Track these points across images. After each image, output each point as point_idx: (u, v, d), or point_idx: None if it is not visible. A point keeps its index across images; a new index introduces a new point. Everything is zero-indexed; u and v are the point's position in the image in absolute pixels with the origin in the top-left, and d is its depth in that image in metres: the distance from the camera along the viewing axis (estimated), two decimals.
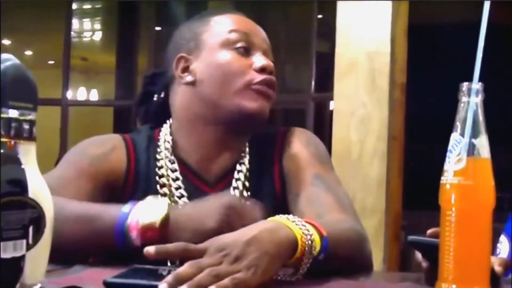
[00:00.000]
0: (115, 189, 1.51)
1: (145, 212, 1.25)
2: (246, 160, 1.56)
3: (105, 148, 1.54)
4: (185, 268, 1.04)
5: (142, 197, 1.49)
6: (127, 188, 1.52)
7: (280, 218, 1.18)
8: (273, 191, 1.54)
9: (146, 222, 1.24)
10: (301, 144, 1.57)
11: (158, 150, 1.56)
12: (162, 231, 1.24)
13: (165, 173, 1.53)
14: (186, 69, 1.57)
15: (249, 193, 1.52)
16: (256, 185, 1.54)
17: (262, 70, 1.53)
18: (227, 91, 1.51)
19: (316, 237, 1.18)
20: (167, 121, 1.61)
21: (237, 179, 1.53)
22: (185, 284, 1.00)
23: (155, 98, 1.66)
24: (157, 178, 1.53)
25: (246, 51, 1.55)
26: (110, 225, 1.26)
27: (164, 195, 1.50)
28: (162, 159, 1.54)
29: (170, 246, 1.11)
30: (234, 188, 1.52)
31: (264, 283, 1.09)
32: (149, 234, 1.24)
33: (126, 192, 1.52)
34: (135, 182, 1.53)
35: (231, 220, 1.24)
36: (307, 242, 1.15)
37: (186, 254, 1.09)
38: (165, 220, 1.25)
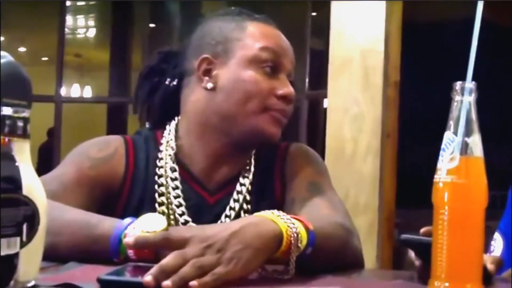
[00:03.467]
0: (111, 194, 1.52)
1: (144, 225, 1.24)
2: (250, 173, 1.56)
3: (106, 152, 1.54)
4: (169, 259, 1.05)
5: (137, 204, 1.50)
6: (123, 194, 1.52)
7: (265, 213, 1.20)
8: (274, 202, 1.54)
9: (143, 233, 1.23)
10: (301, 158, 1.59)
11: (159, 155, 1.55)
12: None
13: (164, 182, 1.52)
14: (207, 72, 1.54)
15: (249, 206, 1.52)
16: (256, 198, 1.54)
17: (282, 97, 1.52)
18: (245, 110, 1.50)
19: (302, 231, 1.19)
20: (173, 121, 1.59)
21: (239, 192, 1.53)
22: (169, 278, 1.01)
23: (167, 82, 1.63)
24: (156, 186, 1.52)
25: (273, 71, 1.52)
26: (108, 232, 1.26)
27: (162, 203, 1.50)
28: (162, 166, 1.53)
29: (150, 235, 1.12)
30: (235, 200, 1.52)
31: (247, 275, 1.12)
32: None
33: (122, 197, 1.52)
34: (132, 188, 1.53)
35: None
36: (292, 235, 1.16)
37: (167, 243, 1.11)
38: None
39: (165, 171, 1.53)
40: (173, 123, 1.59)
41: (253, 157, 1.58)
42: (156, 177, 1.53)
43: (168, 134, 1.57)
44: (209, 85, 1.52)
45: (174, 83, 1.61)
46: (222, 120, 1.51)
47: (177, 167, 1.53)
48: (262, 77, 1.51)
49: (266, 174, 1.57)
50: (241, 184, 1.54)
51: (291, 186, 1.54)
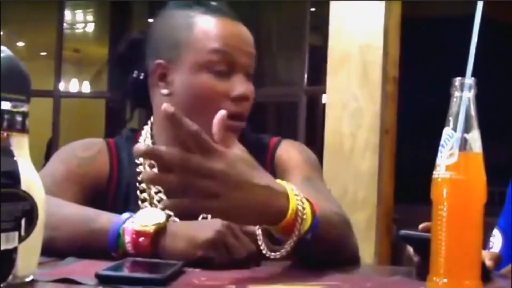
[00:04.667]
0: (99, 192, 1.53)
1: (142, 219, 1.25)
2: None
3: (92, 151, 1.55)
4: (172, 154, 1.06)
5: (123, 202, 1.51)
6: (110, 193, 1.53)
7: (286, 186, 1.18)
8: None
9: (141, 227, 1.24)
10: (292, 151, 1.58)
11: None
12: (154, 240, 1.23)
13: None
14: (163, 77, 1.53)
15: None
16: None
17: (236, 99, 1.48)
18: (199, 116, 1.42)
19: (308, 212, 1.17)
20: (149, 122, 1.60)
21: None
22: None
23: (134, 74, 1.61)
24: (137, 183, 1.53)
25: (227, 72, 1.49)
26: (106, 226, 1.26)
27: (144, 200, 1.51)
28: (141, 164, 1.54)
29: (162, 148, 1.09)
30: None
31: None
32: (142, 240, 1.23)
33: (108, 197, 1.53)
34: (117, 188, 1.54)
35: (226, 236, 1.22)
36: (298, 217, 1.15)
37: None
38: (160, 230, 1.24)
39: (144, 168, 1.53)
40: (149, 123, 1.60)
41: None
42: (137, 175, 1.53)
43: (145, 134, 1.58)
44: (164, 91, 1.52)
45: (141, 77, 1.60)
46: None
47: (155, 164, 1.53)
48: (214, 81, 1.48)
49: None
50: None
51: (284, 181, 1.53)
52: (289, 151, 1.58)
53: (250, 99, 1.51)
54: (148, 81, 1.57)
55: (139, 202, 1.51)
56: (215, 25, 1.51)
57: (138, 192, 1.52)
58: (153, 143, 1.56)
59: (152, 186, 1.51)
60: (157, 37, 1.57)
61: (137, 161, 1.54)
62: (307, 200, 1.20)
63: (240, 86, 1.49)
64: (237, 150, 1.12)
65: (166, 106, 1.08)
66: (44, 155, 7.41)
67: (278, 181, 1.19)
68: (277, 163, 1.57)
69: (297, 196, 1.17)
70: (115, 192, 1.54)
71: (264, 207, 1.12)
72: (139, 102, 1.63)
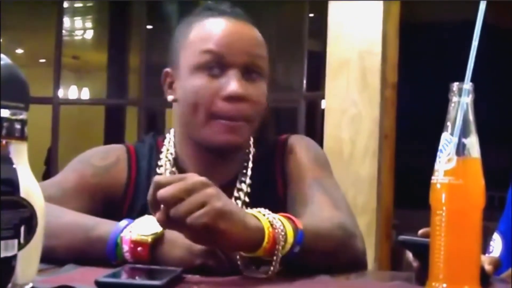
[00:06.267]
0: (114, 201, 1.52)
1: (140, 228, 1.24)
2: (249, 170, 1.54)
3: (108, 160, 1.54)
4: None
5: (140, 210, 1.49)
6: (126, 201, 1.52)
7: (251, 211, 1.22)
8: (277, 199, 1.53)
9: (138, 237, 1.24)
10: (301, 150, 1.57)
11: (159, 163, 1.55)
12: (153, 249, 1.23)
13: None
14: (171, 85, 1.55)
15: (249, 208, 1.51)
16: (258, 194, 1.53)
17: (229, 98, 1.45)
18: (195, 120, 1.47)
19: (289, 229, 1.19)
20: (171, 130, 1.60)
21: (239, 189, 1.52)
22: None
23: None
24: None
25: (220, 71, 1.46)
26: (105, 235, 1.26)
27: None
28: (162, 173, 1.53)
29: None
30: (236, 198, 1.52)
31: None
32: (140, 249, 1.23)
33: (124, 205, 1.52)
34: (134, 196, 1.53)
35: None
36: (276, 232, 1.16)
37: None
38: (158, 239, 1.24)
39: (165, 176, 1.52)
40: (172, 130, 1.59)
41: (251, 158, 1.56)
42: None
43: (168, 142, 1.58)
44: (170, 98, 1.54)
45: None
46: (187, 131, 1.52)
47: (176, 171, 1.53)
48: (207, 82, 1.46)
49: (266, 172, 1.56)
50: (241, 182, 1.53)
51: (292, 183, 1.53)
52: (298, 151, 1.57)
53: (247, 99, 1.47)
54: None
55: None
56: (211, 27, 1.50)
57: None
58: (175, 152, 1.55)
59: None
60: (171, 46, 1.58)
61: (157, 170, 1.54)
62: (286, 216, 1.22)
63: (233, 84, 1.45)
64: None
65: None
66: (44, 161, 7.40)
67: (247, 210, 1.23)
68: (287, 165, 1.57)
69: (267, 215, 1.20)
70: (131, 203, 1.53)
71: (243, 223, 1.16)
72: None
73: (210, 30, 1.49)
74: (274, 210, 1.44)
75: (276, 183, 1.55)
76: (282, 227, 1.18)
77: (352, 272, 1.31)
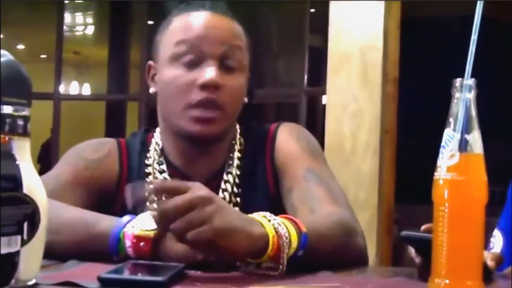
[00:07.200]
0: (107, 194, 1.52)
1: (143, 223, 1.25)
2: (235, 160, 1.54)
3: (101, 153, 1.55)
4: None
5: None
6: (119, 196, 1.52)
7: (254, 215, 1.20)
8: (266, 189, 1.53)
9: (141, 232, 1.24)
10: (292, 139, 1.55)
11: (148, 155, 1.56)
12: (155, 244, 1.23)
13: (153, 179, 1.52)
14: (153, 78, 1.56)
15: (238, 199, 1.51)
16: (248, 184, 1.52)
17: (206, 86, 1.45)
18: (171, 111, 1.49)
19: (293, 233, 1.19)
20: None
21: (226, 181, 1.52)
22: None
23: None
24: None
25: (196, 62, 1.47)
26: (107, 231, 1.26)
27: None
28: (150, 165, 1.54)
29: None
30: (223, 190, 1.51)
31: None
32: (142, 244, 1.23)
33: (117, 200, 1.52)
34: None
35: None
36: (281, 238, 1.16)
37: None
38: (160, 234, 1.24)
39: (153, 169, 1.54)
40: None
41: (237, 148, 1.56)
42: (146, 176, 1.53)
43: (156, 134, 1.59)
44: (151, 90, 1.55)
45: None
46: (167, 122, 1.53)
47: (165, 165, 1.54)
48: (183, 72, 1.47)
49: (255, 161, 1.55)
50: (228, 173, 1.53)
51: (286, 173, 1.52)
52: (288, 140, 1.56)
53: (223, 88, 1.46)
54: None
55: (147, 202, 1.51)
56: (188, 19, 1.51)
57: None
58: (163, 145, 1.56)
59: None
60: (153, 41, 1.60)
61: (146, 161, 1.55)
62: (289, 219, 1.22)
63: (209, 72, 1.45)
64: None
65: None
66: (37, 158, 7.39)
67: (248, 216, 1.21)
68: (277, 153, 1.55)
69: (272, 221, 1.18)
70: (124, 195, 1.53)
71: (247, 233, 1.15)
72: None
73: (187, 22, 1.50)
74: (264, 199, 1.44)
75: (265, 172, 1.54)
76: (286, 234, 1.17)
77: (354, 268, 1.32)
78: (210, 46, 1.47)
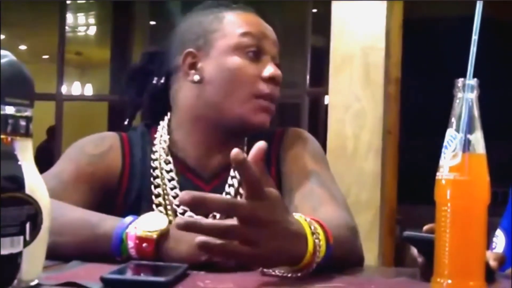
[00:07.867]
0: (110, 189, 1.53)
1: (145, 224, 1.25)
2: None
3: (102, 147, 1.55)
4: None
5: (136, 199, 1.52)
6: (122, 188, 1.53)
7: (306, 227, 1.16)
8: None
9: (144, 233, 1.24)
10: (297, 144, 1.58)
11: (154, 149, 1.56)
12: (158, 245, 1.23)
13: (159, 174, 1.53)
14: (193, 66, 1.56)
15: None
16: None
17: (270, 79, 1.53)
18: (233, 98, 1.51)
19: (323, 248, 1.17)
20: (165, 118, 1.60)
21: (233, 177, 1.53)
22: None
23: (154, 81, 1.64)
24: (151, 178, 1.53)
25: (256, 56, 1.54)
26: (109, 232, 1.26)
27: (158, 195, 1.51)
28: (157, 159, 1.54)
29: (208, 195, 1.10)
30: (230, 185, 1.52)
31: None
32: (145, 245, 1.23)
33: (120, 192, 1.53)
34: (130, 182, 1.54)
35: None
36: (316, 253, 1.15)
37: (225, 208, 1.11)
38: (163, 235, 1.24)
39: (160, 163, 1.54)
40: (166, 118, 1.60)
41: (246, 144, 1.57)
42: (151, 170, 1.54)
43: (162, 129, 1.58)
44: (196, 78, 1.54)
45: (162, 81, 1.63)
46: (212, 111, 1.53)
47: (171, 159, 1.54)
48: (246, 63, 1.52)
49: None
50: (232, 177, 1.53)
51: (289, 174, 1.53)
52: (294, 145, 1.58)
53: (279, 83, 1.55)
54: (171, 79, 1.61)
55: (153, 197, 1.51)
56: (243, 15, 1.58)
57: (152, 188, 1.52)
58: (170, 139, 1.56)
59: (167, 182, 1.52)
60: (184, 31, 1.61)
61: (152, 156, 1.55)
62: (321, 227, 1.19)
63: (270, 67, 1.54)
64: (275, 192, 1.14)
65: (237, 152, 1.09)
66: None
67: (297, 218, 1.18)
68: (282, 156, 1.57)
69: (314, 234, 1.16)
70: (126, 189, 1.53)
71: (289, 254, 1.13)
72: (156, 106, 1.64)
73: (244, 19, 1.57)
74: None
75: (269, 172, 1.55)
76: (319, 249, 1.16)
77: (355, 268, 1.32)
78: (270, 45, 1.57)
